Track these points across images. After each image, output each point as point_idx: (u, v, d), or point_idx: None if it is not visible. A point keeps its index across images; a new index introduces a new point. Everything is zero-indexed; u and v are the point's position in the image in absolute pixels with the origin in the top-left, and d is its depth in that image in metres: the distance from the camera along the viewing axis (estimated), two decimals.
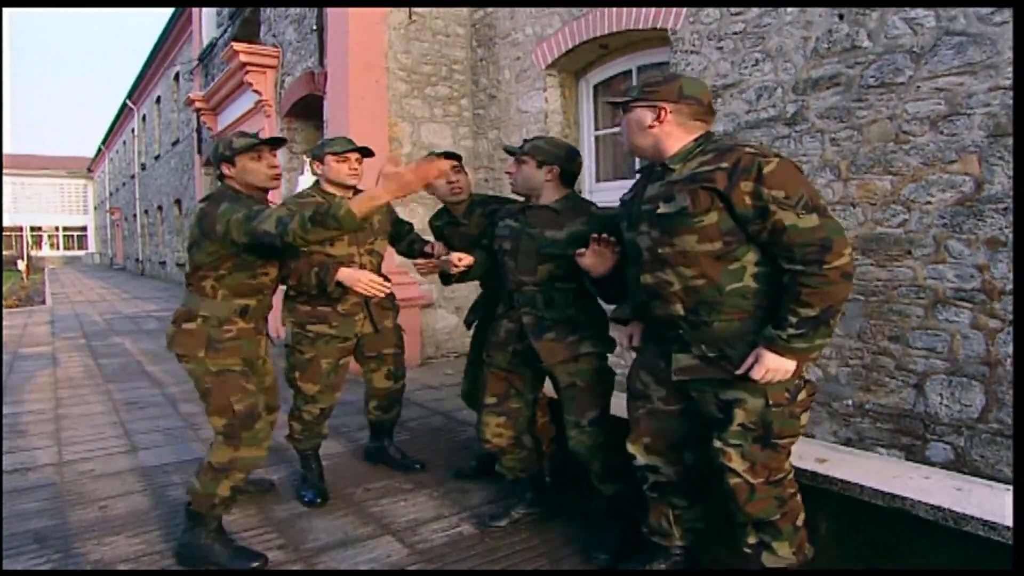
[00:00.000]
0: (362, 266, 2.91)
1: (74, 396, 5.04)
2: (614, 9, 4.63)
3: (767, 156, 1.72)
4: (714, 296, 1.78)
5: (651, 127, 1.88)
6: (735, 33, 3.92)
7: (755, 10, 3.80)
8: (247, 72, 6.99)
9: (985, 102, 2.95)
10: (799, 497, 1.85)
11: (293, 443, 3.03)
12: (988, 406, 3.01)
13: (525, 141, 2.44)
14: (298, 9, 6.67)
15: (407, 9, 5.70)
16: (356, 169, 2.92)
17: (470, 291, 3.60)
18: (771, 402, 1.76)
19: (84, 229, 40.23)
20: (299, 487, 2.97)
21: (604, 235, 2.04)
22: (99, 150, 31.02)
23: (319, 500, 2.87)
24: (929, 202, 3.15)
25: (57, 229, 39.88)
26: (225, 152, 2.42)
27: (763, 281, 1.77)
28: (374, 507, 2.78)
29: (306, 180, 5.43)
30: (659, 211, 1.83)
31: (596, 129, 5.42)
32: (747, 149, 1.75)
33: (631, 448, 2.06)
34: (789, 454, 1.84)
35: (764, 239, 1.72)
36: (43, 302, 13.75)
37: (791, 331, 1.66)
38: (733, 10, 3.91)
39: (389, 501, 2.84)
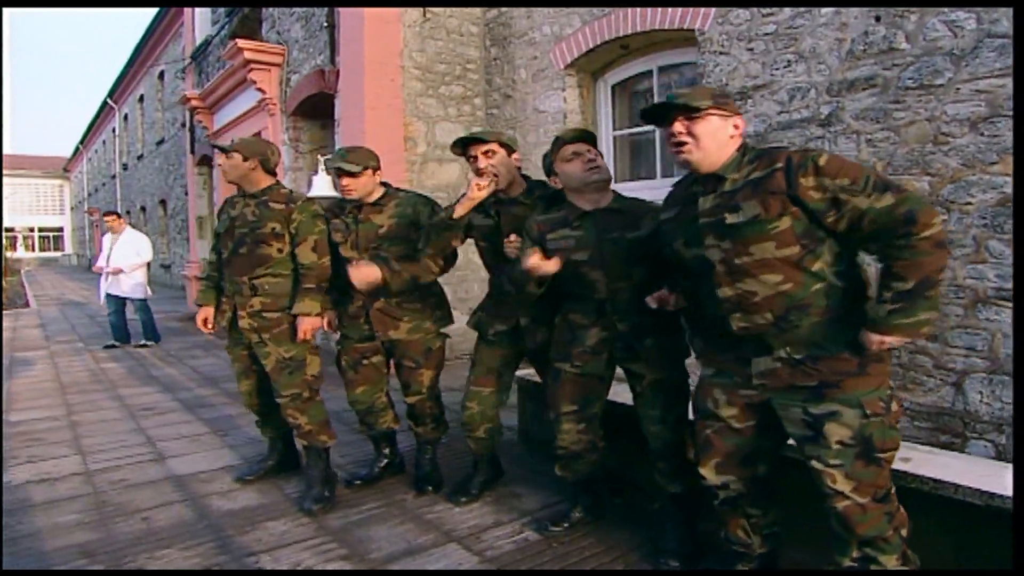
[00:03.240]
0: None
1: (85, 402, 4.92)
2: (638, 9, 4.62)
3: (814, 151, 1.74)
4: (801, 299, 1.74)
5: (732, 137, 1.87)
6: (766, 34, 3.93)
7: (787, 11, 3.81)
8: (251, 70, 6.88)
9: None
10: (902, 509, 1.80)
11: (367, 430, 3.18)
12: None
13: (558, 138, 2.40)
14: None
15: (421, 7, 5.64)
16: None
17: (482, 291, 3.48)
18: (868, 412, 1.70)
19: (60, 230, 39.39)
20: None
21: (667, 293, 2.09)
22: (76, 149, 30.41)
23: (356, 482, 3.09)
24: (969, 203, 3.18)
25: (32, 230, 38.99)
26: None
27: (844, 278, 1.76)
28: (429, 514, 2.74)
29: (321, 180, 5.36)
30: (728, 222, 1.80)
31: (614, 129, 5.41)
32: (791, 149, 1.79)
33: (702, 470, 2.01)
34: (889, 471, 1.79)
35: (844, 229, 1.70)
36: (26, 304, 13.43)
37: (889, 307, 1.63)
38: (764, 11, 3.92)
39: (443, 508, 2.80)
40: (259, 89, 7.04)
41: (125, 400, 4.96)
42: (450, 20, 5.87)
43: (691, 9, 4.30)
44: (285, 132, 7.10)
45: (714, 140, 1.85)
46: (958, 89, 3.19)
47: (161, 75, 15.59)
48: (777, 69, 3.89)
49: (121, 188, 21.32)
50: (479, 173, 2.54)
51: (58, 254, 38.54)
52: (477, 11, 6.03)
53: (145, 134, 17.97)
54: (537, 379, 3.28)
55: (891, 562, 1.76)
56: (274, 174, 3.02)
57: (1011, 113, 3.03)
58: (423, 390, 2.98)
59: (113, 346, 7.40)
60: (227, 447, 3.76)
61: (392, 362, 3.05)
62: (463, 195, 2.73)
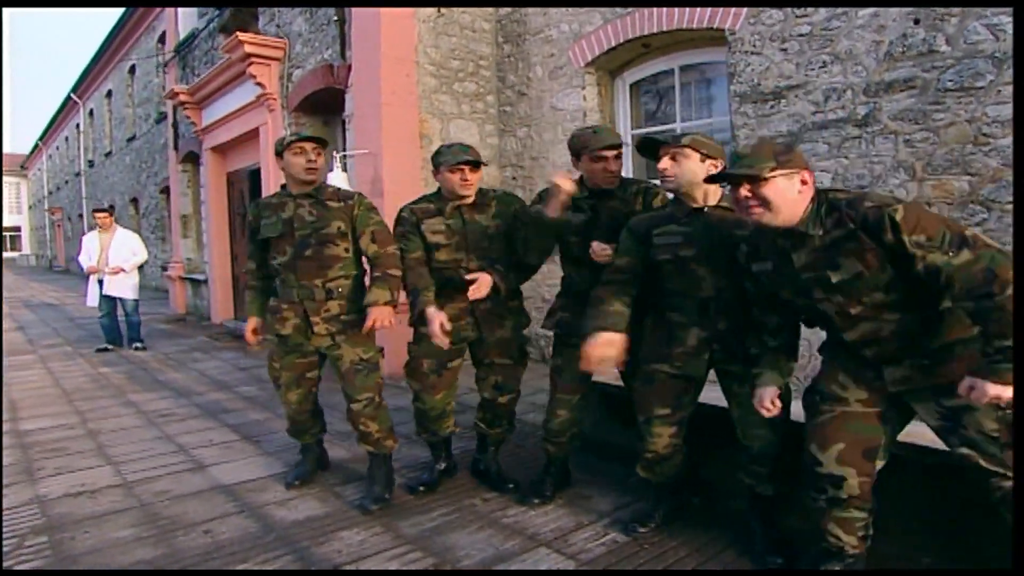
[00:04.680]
0: (468, 270, 2.83)
1: (97, 409, 4.75)
2: (664, 8, 4.63)
3: (891, 204, 1.77)
4: (927, 324, 1.83)
5: (800, 192, 1.89)
6: (800, 35, 3.98)
7: (823, 13, 3.86)
8: (250, 64, 6.70)
9: None
10: None
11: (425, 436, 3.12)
12: None
13: (673, 136, 2.36)
14: None
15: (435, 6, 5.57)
16: (468, 180, 2.82)
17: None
18: (1004, 404, 1.72)
19: (18, 230, 37.97)
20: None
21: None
22: (35, 146, 29.31)
23: (421, 488, 3.00)
24: (1010, 202, 3.26)
25: None
26: (278, 148, 2.86)
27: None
28: (504, 518, 2.71)
29: (336, 177, 5.26)
30: (833, 281, 1.87)
31: (632, 128, 5.42)
32: (866, 203, 1.81)
33: (820, 455, 1.99)
34: None
35: (926, 279, 1.73)
36: None
37: (995, 359, 1.64)
38: (798, 12, 3.97)
39: (518, 511, 2.77)
40: (258, 84, 6.87)
41: (139, 406, 4.80)
42: (463, 16, 5.81)
43: (720, 9, 4.33)
44: (286, 128, 6.94)
45: (783, 200, 1.89)
46: (999, 91, 3.28)
47: (132, 69, 15.11)
48: (812, 70, 3.94)
49: (87, 186, 20.61)
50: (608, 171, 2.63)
51: (16, 254, 37.16)
52: (489, 7, 5.98)
53: (114, 130, 17.40)
54: (598, 381, 3.27)
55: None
56: None
57: None
58: (517, 388, 3.01)
59: (106, 349, 7.17)
60: (265, 454, 3.67)
61: (480, 362, 3.00)
62: (545, 191, 2.70)
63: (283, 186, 2.96)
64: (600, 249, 2.43)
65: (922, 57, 3.50)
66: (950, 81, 3.41)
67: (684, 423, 2.42)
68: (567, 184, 2.45)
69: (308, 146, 2.80)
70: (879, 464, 2.00)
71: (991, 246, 1.68)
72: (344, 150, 5.84)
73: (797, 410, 2.20)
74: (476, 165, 2.80)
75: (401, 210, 3.00)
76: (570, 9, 5.36)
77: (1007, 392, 1.65)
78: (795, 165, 1.89)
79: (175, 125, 10.06)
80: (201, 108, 8.71)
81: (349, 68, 5.80)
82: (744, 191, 1.91)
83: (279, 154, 2.85)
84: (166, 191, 12.79)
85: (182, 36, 9.63)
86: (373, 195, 5.51)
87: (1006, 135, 3.26)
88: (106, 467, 3.52)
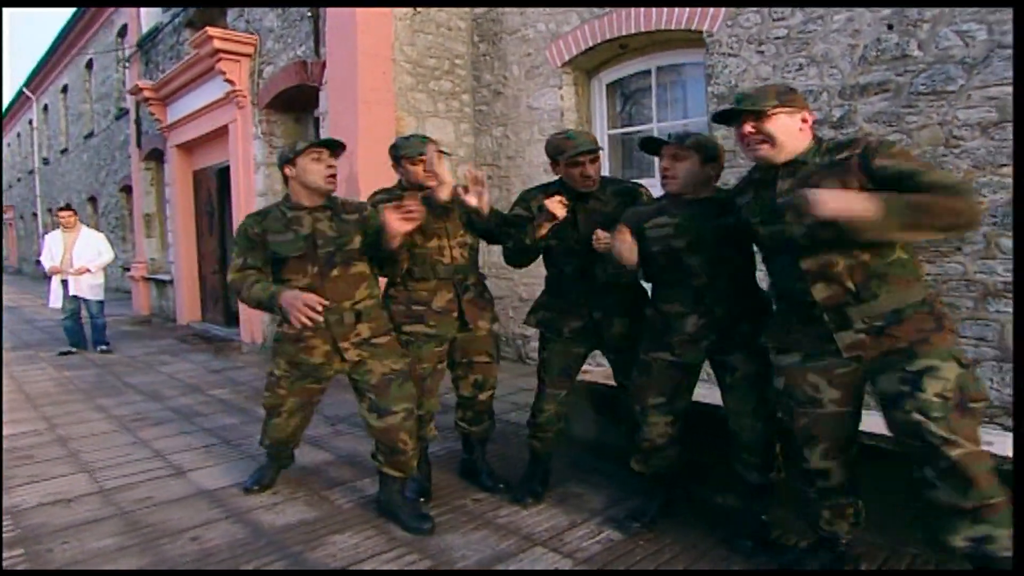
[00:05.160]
0: (453, 259, 2.81)
1: (66, 414, 4.60)
2: (642, 9, 4.67)
3: (889, 141, 1.98)
4: (880, 269, 1.90)
5: (801, 129, 2.02)
6: (777, 38, 4.05)
7: (799, 16, 3.94)
8: (219, 60, 6.55)
9: None
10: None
11: None
12: None
13: (671, 135, 2.42)
14: None
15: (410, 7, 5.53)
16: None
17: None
18: (963, 363, 1.83)
19: None
20: (406, 485, 2.89)
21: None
22: None
23: (421, 498, 2.88)
24: (980, 202, 3.38)
25: None
26: (288, 154, 2.60)
27: (908, 249, 1.93)
28: (498, 519, 2.71)
29: None
30: None
31: (609, 128, 5.46)
32: (868, 137, 2.01)
33: (807, 454, 2.08)
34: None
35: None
36: None
37: (895, 196, 1.76)
38: (775, 15, 4.04)
39: (510, 511, 2.77)
40: (228, 80, 6.73)
41: (109, 411, 4.67)
42: (439, 14, 5.78)
43: (698, 12, 4.38)
44: (257, 126, 6.82)
45: (786, 134, 2.01)
46: (969, 96, 3.39)
47: (89, 64, 14.65)
48: (788, 72, 4.02)
49: (41, 184, 19.94)
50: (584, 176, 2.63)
51: None
52: (465, 7, 5.95)
53: (70, 126, 16.86)
54: (586, 380, 3.29)
55: (1005, 539, 1.76)
56: None
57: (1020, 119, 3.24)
58: (495, 385, 3.01)
59: (69, 352, 6.95)
60: (247, 457, 3.60)
61: (458, 361, 2.97)
62: (522, 197, 2.74)
63: (286, 197, 2.69)
64: (603, 236, 2.45)
65: (895, 61, 3.60)
66: (922, 85, 3.52)
67: (680, 415, 2.46)
68: (559, 210, 2.48)
69: (327, 152, 2.58)
70: (854, 452, 2.11)
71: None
72: None
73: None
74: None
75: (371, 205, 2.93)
76: (547, 9, 5.37)
77: (854, 206, 1.73)
78: (796, 105, 2.02)
79: (138, 121, 9.80)
80: (166, 104, 8.49)
81: (323, 65, 5.72)
82: (748, 127, 2.02)
83: (289, 160, 2.58)
84: (127, 189, 12.45)
85: (145, 30, 9.38)
86: (349, 193, 5.44)
87: (975, 138, 3.37)
88: (80, 474, 3.42)
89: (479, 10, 5.94)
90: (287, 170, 2.59)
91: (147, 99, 8.50)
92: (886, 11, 3.60)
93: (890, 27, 3.61)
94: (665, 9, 4.54)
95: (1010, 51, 3.25)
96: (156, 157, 9.72)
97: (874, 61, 3.68)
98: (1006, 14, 3.23)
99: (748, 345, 2.31)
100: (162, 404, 4.83)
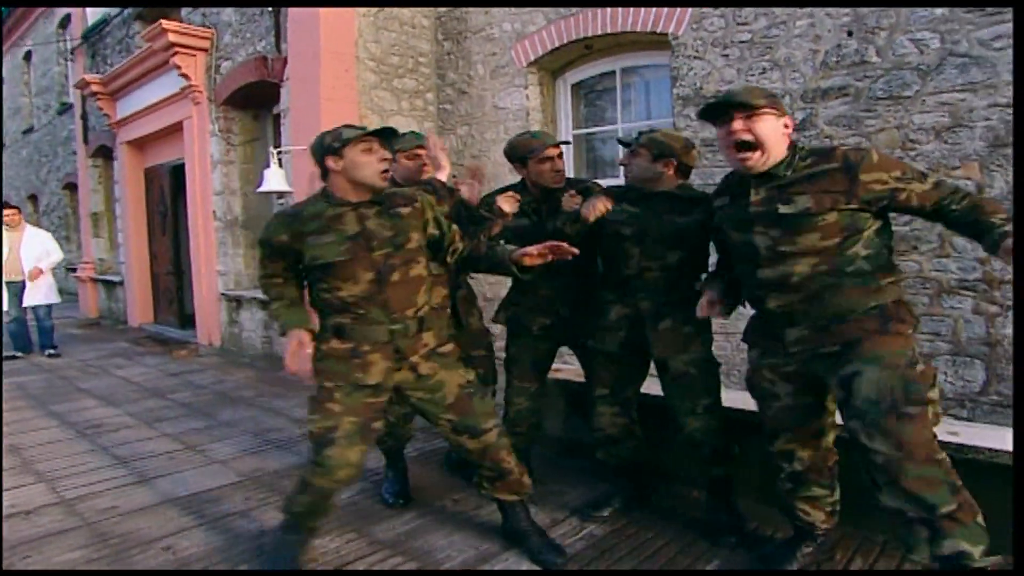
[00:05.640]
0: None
1: (15, 422, 4.41)
2: (608, 10, 4.72)
3: (865, 149, 1.94)
4: (835, 280, 1.93)
5: (784, 135, 2.02)
6: (742, 42, 4.15)
7: (763, 21, 4.05)
8: (175, 54, 6.35)
9: (985, 116, 3.36)
10: (968, 493, 1.78)
11: (378, 443, 2.77)
12: (989, 381, 3.44)
13: (640, 133, 2.50)
14: None
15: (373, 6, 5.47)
16: (426, 165, 2.92)
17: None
18: (888, 368, 1.80)
19: None
20: (383, 487, 2.93)
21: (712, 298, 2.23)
22: None
23: (400, 501, 2.86)
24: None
25: None
26: (334, 143, 2.16)
27: (874, 260, 1.95)
28: (479, 518, 2.71)
29: (273, 174, 5.09)
30: (780, 212, 1.97)
31: (574, 128, 5.50)
32: (842, 147, 1.96)
33: (773, 440, 2.17)
34: (934, 436, 1.80)
35: (902, 209, 1.93)
36: None
37: (1002, 221, 1.78)
38: (739, 20, 4.14)
39: (491, 510, 2.75)
40: (183, 75, 6.53)
41: (64, 418, 4.49)
42: (403, 11, 5.72)
43: (664, 14, 4.45)
44: (214, 123, 6.64)
45: (771, 138, 1.98)
46: (924, 101, 3.53)
47: (28, 55, 14.02)
48: (752, 75, 4.12)
49: None
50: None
51: None
52: (428, 7, 5.92)
53: (7, 121, 16.08)
54: (558, 377, 3.33)
55: (980, 553, 1.72)
56: None
57: (971, 124, 3.39)
58: (496, 379, 3.08)
59: (14, 357, 6.65)
60: (214, 463, 3.52)
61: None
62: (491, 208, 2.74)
63: (323, 191, 2.26)
64: (571, 196, 2.50)
65: (855, 67, 3.73)
66: (880, 90, 3.65)
67: (628, 404, 2.56)
68: (507, 205, 2.59)
69: (377, 142, 2.20)
70: (830, 438, 2.15)
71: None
72: (279, 145, 5.65)
73: (730, 397, 2.37)
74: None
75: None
76: (513, 8, 5.37)
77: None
78: (781, 109, 2.03)
79: (84, 117, 9.42)
80: (116, 99, 8.19)
81: (285, 61, 5.61)
82: (738, 123, 1.97)
83: (333, 152, 2.17)
84: (71, 187, 11.96)
85: (91, 22, 9.03)
86: (312, 192, 5.35)
87: (930, 141, 3.52)
88: (38, 484, 3.29)
89: (443, 8, 5.91)
90: (331, 162, 2.18)
91: (95, 94, 8.18)
92: (846, 18, 3.73)
93: (850, 33, 3.74)
94: (632, 10, 4.60)
95: (961, 59, 3.40)
96: (104, 154, 9.36)
97: (834, 66, 3.80)
98: (958, 24, 3.38)
99: (665, 341, 2.38)
100: (119, 409, 4.67)
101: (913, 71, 3.55)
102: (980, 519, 1.78)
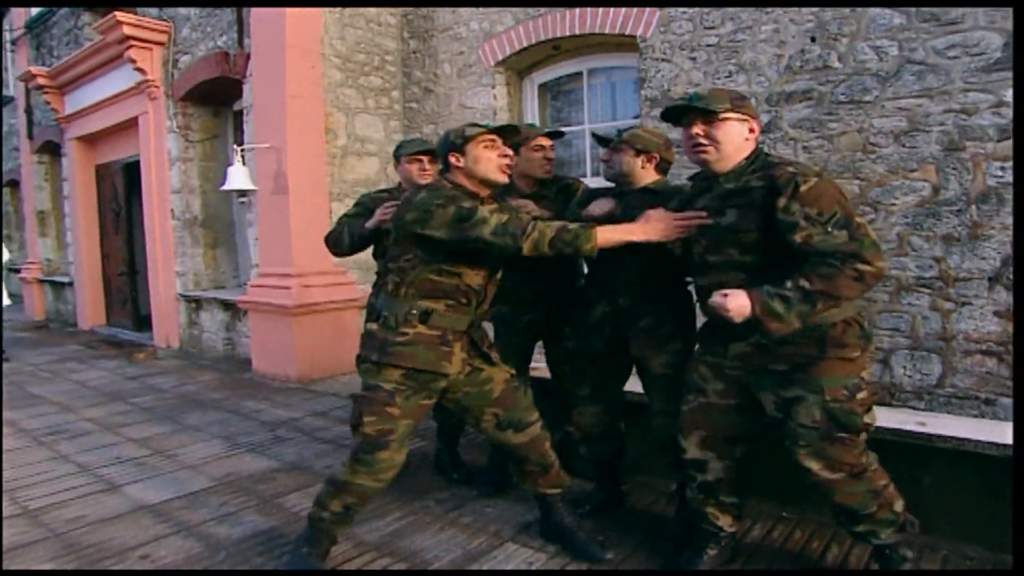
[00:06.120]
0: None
1: None
2: (576, 10, 4.77)
3: (806, 175, 1.86)
4: None
5: (747, 140, 2.03)
6: (708, 45, 4.24)
7: (729, 26, 4.15)
8: (129, 47, 6.15)
9: (940, 122, 3.51)
10: (892, 487, 2.00)
11: None
12: (945, 374, 3.60)
13: (620, 131, 2.52)
14: None
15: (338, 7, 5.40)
16: (427, 170, 2.93)
17: None
18: (829, 398, 1.87)
19: None
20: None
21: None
22: None
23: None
24: (894, 204, 3.68)
25: None
26: (457, 140, 2.21)
27: None
28: (463, 517, 2.72)
29: (237, 172, 4.99)
30: (709, 223, 2.03)
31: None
32: (789, 168, 1.91)
33: (684, 442, 2.18)
34: (863, 450, 1.94)
35: (797, 249, 1.84)
36: None
37: (780, 291, 1.80)
38: (707, 24, 4.23)
39: (473, 509, 2.79)
40: (139, 69, 6.32)
41: (17, 425, 4.32)
42: (369, 9, 5.67)
43: (633, 16, 4.52)
44: (172, 119, 6.45)
45: (731, 142, 2.01)
46: (883, 106, 3.67)
47: None
48: (719, 79, 4.22)
49: None
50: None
51: None
52: (395, 7, 5.87)
53: None
54: (535, 376, 3.35)
55: (889, 535, 2.00)
56: None
57: (927, 129, 3.55)
58: None
59: None
60: (185, 468, 3.44)
61: None
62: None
63: (447, 183, 2.24)
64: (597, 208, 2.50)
65: (818, 72, 3.86)
66: (842, 95, 3.79)
67: (612, 403, 2.60)
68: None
69: (499, 139, 2.24)
70: (739, 451, 2.15)
71: (871, 236, 1.80)
72: (242, 143, 5.53)
73: None
74: (435, 155, 2.88)
75: (361, 196, 3.18)
76: (481, 8, 5.38)
77: (737, 311, 1.81)
78: (747, 113, 2.02)
79: (28, 111, 9.04)
80: (64, 93, 7.88)
81: (248, 57, 5.49)
82: (697, 128, 2.00)
83: (456, 148, 2.20)
84: (14, 184, 11.46)
85: (36, 12, 8.66)
86: (277, 191, 5.28)
87: (889, 145, 3.66)
88: None
89: (410, 8, 5.87)
90: (453, 158, 2.21)
91: (41, 87, 7.85)
92: (809, 24, 3.85)
93: (813, 39, 3.86)
94: (600, 12, 4.66)
95: (918, 67, 3.55)
96: (51, 150, 9.00)
97: (798, 71, 3.93)
98: (915, 32, 3.53)
99: (641, 340, 2.42)
100: (78, 415, 4.51)
101: (873, 77, 3.68)
102: (896, 508, 2.01)
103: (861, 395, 1.91)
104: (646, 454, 2.85)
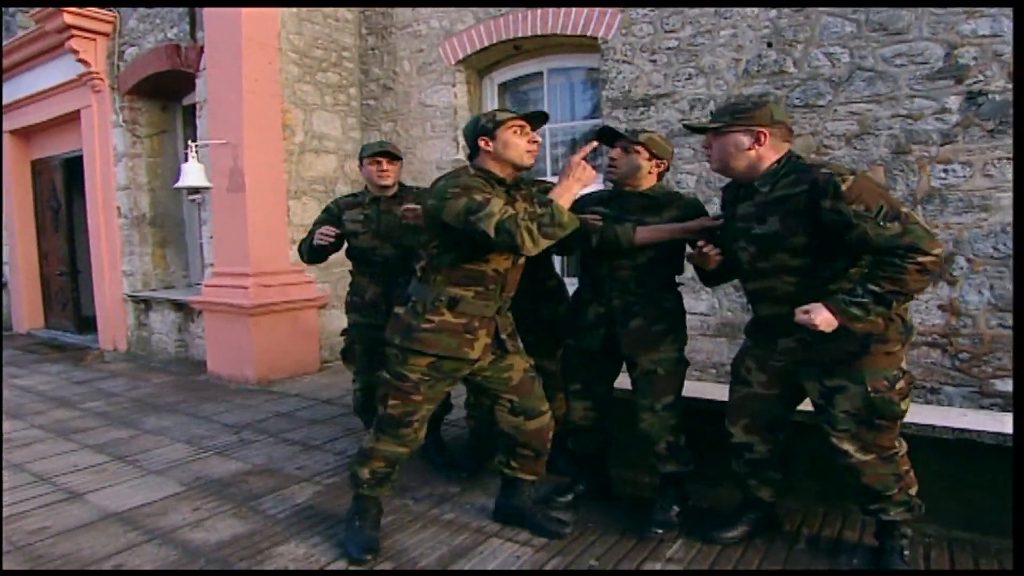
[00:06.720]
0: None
1: None
2: (538, 11, 4.82)
3: (842, 174, 1.92)
4: (816, 297, 1.99)
5: (749, 150, 2.11)
6: (668, 48, 4.36)
7: (688, 30, 4.27)
8: (72, 37, 5.89)
9: (889, 126, 3.71)
10: (912, 473, 2.16)
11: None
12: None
13: (634, 131, 2.54)
14: None
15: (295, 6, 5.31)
16: (385, 171, 3.11)
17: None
18: (870, 389, 2.00)
19: None
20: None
21: (708, 245, 2.30)
22: None
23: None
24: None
25: None
26: (488, 124, 2.25)
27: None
28: (444, 515, 2.73)
29: (192, 169, 4.86)
30: (754, 231, 2.14)
31: None
32: (823, 169, 1.97)
33: (731, 428, 2.38)
34: (897, 435, 2.11)
35: (854, 246, 1.93)
36: None
37: (855, 299, 1.89)
38: (667, 27, 4.34)
39: (454, 504, 2.81)
40: (82, 61, 6.07)
41: None
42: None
43: (595, 18, 4.60)
44: (118, 113, 6.21)
45: (732, 153, 2.12)
46: (836, 110, 3.85)
47: None
48: (679, 81, 4.34)
49: None
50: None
51: None
52: (356, 7, 5.80)
53: None
54: None
55: (897, 512, 2.16)
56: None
57: (877, 132, 3.74)
58: None
59: None
60: (150, 474, 3.34)
61: None
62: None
63: (478, 168, 2.29)
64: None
65: (774, 76, 4.01)
66: (797, 99, 3.95)
67: (602, 399, 2.67)
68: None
69: (528, 125, 2.28)
70: (781, 436, 2.36)
71: (921, 224, 1.85)
72: (194, 138, 5.38)
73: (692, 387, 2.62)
74: (393, 157, 3.10)
75: (329, 203, 3.36)
76: (441, 6, 5.36)
77: (824, 323, 1.92)
78: (754, 123, 2.07)
79: None
80: None
81: (201, 50, 5.34)
82: (706, 140, 2.21)
83: (487, 132, 2.24)
84: None
85: None
86: (232, 188, 5.16)
87: (841, 147, 3.84)
88: None
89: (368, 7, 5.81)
90: (482, 142, 2.25)
91: None
92: (766, 30, 4.00)
93: (769, 45, 4.02)
94: (562, 12, 4.72)
95: (868, 73, 3.73)
96: None
97: (756, 75, 4.07)
98: (865, 41, 3.71)
99: (631, 341, 2.50)
100: (27, 422, 4.32)
101: (826, 82, 3.86)
102: (911, 491, 2.17)
103: (900, 384, 2.04)
104: (630, 448, 2.94)
